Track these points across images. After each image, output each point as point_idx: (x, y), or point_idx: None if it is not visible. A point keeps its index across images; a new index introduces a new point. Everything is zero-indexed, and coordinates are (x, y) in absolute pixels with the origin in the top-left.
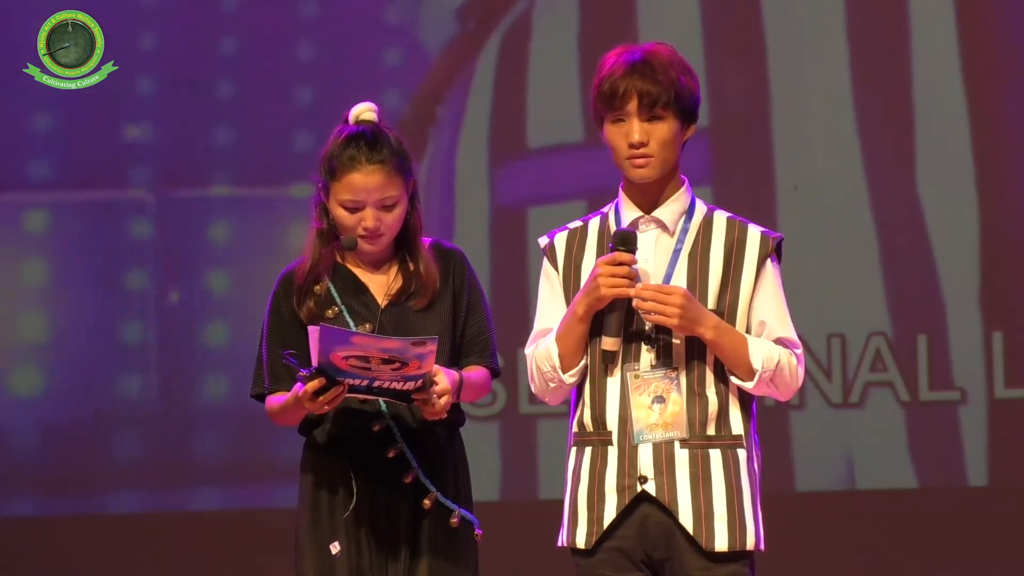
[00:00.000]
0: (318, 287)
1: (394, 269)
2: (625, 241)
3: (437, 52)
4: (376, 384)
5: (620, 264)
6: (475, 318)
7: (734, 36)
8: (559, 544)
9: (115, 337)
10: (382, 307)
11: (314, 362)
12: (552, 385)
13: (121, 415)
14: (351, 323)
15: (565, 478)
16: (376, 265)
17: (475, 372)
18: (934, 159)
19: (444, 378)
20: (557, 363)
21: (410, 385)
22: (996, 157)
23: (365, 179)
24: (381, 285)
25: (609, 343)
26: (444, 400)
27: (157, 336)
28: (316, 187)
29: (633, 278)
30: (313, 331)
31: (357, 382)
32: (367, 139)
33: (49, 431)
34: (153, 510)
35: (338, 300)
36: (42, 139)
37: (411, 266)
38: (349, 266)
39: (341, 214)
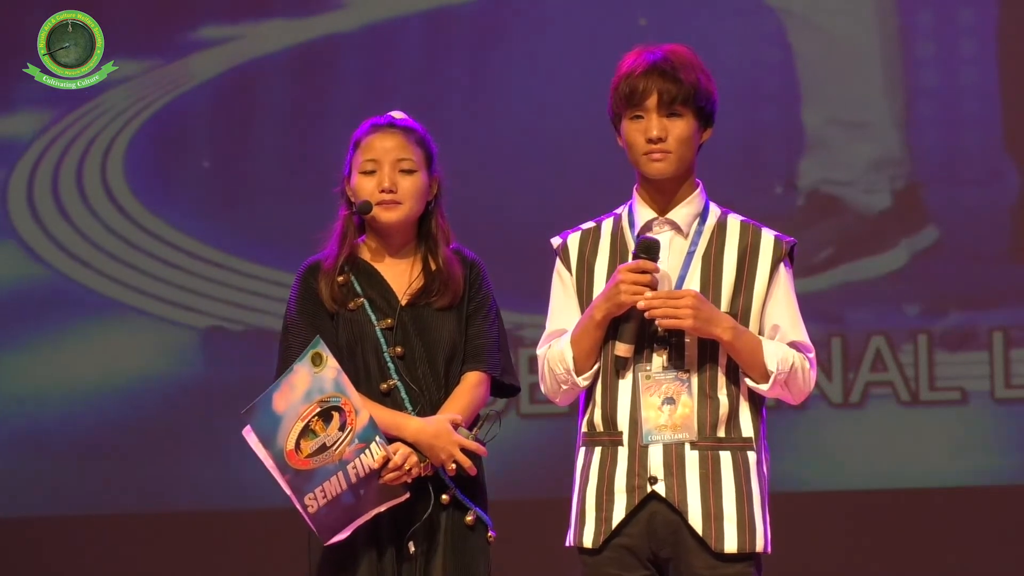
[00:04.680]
0: (341, 278)
1: (417, 268)
2: (648, 249)
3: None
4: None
5: (643, 272)
6: (475, 324)
7: (735, 35)
8: (567, 544)
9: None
10: (402, 305)
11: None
12: (564, 387)
13: (121, 414)
14: (372, 316)
15: (573, 478)
16: (396, 258)
17: (461, 397)
18: (934, 158)
19: (402, 450)
20: (571, 366)
21: (361, 448)
22: (996, 158)
23: (382, 139)
24: (402, 283)
25: (623, 350)
26: (412, 467)
27: None
28: (342, 177)
29: (654, 287)
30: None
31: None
32: (390, 116)
33: (50, 430)
34: (153, 510)
35: (361, 292)
36: None
37: (433, 265)
38: (371, 261)
39: (360, 182)
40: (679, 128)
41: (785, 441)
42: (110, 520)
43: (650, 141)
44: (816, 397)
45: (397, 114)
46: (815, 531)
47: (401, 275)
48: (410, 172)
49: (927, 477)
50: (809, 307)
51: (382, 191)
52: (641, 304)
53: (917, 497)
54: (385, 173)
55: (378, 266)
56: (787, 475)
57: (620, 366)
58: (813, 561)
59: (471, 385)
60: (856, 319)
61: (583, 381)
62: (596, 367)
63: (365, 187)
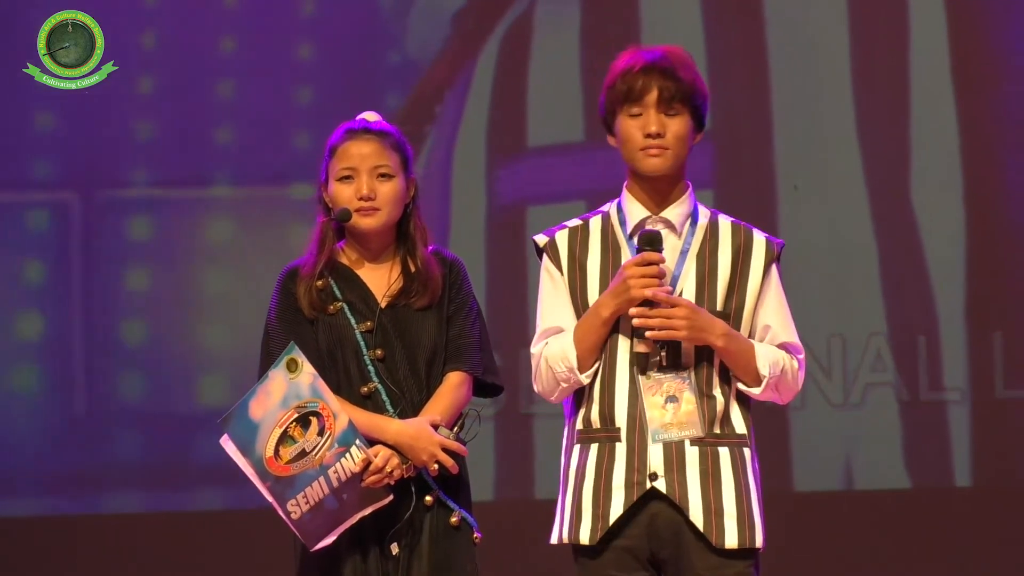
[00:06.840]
0: (320, 282)
1: (396, 271)
2: (652, 241)
3: (436, 52)
4: (331, 472)
5: (650, 264)
6: (457, 323)
7: (736, 38)
8: (554, 541)
9: (115, 336)
10: (382, 307)
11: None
12: (564, 385)
13: (121, 415)
14: (352, 320)
15: (565, 476)
16: (375, 263)
17: (442, 397)
18: (932, 162)
19: (383, 452)
20: (575, 364)
21: (344, 458)
22: (995, 159)
23: (359, 146)
24: (382, 286)
25: (642, 346)
26: (394, 470)
27: (157, 336)
28: (318, 183)
29: (662, 277)
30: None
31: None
32: (364, 120)
33: (49, 431)
34: (153, 510)
35: (340, 296)
36: (42, 139)
37: (412, 267)
38: (350, 265)
39: (338, 189)
40: (677, 125)
41: (785, 441)
42: (110, 520)
43: (648, 136)
44: (816, 397)
45: (370, 116)
46: (815, 531)
47: (381, 278)
48: (388, 178)
49: (926, 477)
50: (809, 306)
51: (360, 198)
52: (636, 322)
53: (916, 497)
54: (363, 181)
55: (358, 270)
56: (787, 475)
57: (640, 364)
58: (812, 561)
59: (453, 385)
60: (857, 319)
61: (586, 378)
62: (598, 364)
63: (343, 194)
